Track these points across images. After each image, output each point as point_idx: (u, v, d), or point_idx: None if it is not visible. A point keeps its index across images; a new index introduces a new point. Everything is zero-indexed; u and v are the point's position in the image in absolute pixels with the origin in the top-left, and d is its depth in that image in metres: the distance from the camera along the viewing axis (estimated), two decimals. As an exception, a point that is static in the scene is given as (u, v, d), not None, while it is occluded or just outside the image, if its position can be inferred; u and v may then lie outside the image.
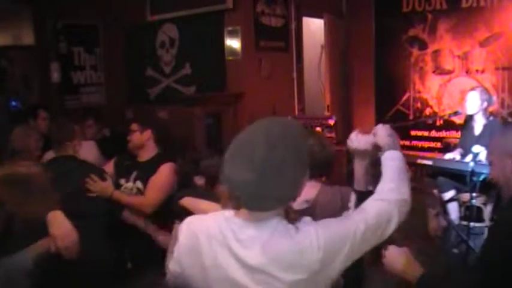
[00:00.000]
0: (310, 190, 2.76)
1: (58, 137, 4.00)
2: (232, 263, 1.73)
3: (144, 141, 4.31)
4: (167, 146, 4.50)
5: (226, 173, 1.70)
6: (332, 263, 1.72)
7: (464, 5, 7.07)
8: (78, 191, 3.67)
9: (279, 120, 1.80)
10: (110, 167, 4.36)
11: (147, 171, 4.18)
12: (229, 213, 1.82)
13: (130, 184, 4.21)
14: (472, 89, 5.57)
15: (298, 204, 2.71)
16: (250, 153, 1.65)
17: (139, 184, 4.19)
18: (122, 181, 4.23)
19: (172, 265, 1.91)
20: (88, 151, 5.22)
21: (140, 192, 4.15)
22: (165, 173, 4.13)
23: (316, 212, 2.72)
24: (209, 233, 1.79)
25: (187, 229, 1.87)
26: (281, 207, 1.77)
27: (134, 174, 4.23)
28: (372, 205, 1.91)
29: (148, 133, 4.31)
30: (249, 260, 1.70)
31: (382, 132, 2.33)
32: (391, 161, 2.15)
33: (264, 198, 1.69)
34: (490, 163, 2.59)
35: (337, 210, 2.75)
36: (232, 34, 6.83)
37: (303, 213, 2.68)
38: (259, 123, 1.76)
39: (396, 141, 2.29)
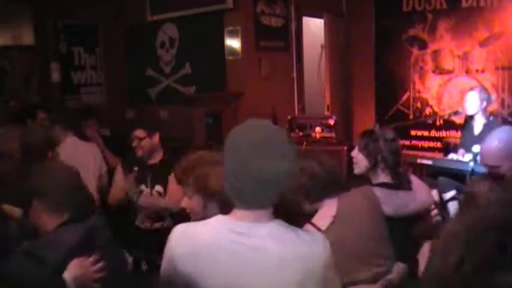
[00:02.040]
0: (330, 206, 2.82)
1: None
2: (243, 267, 1.73)
3: (154, 146, 4.32)
4: (167, 146, 4.52)
5: (256, 167, 1.69)
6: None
7: (464, 4, 7.06)
8: None
9: (273, 126, 1.84)
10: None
11: (161, 174, 4.22)
12: (224, 218, 1.82)
13: (148, 190, 4.24)
14: (471, 89, 5.57)
15: (324, 224, 2.76)
16: (274, 146, 1.71)
17: (159, 188, 4.21)
18: (143, 187, 4.25)
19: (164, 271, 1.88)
20: (89, 152, 5.23)
21: (161, 196, 4.21)
22: None
23: (343, 222, 2.78)
24: (211, 239, 1.77)
25: (183, 237, 1.84)
26: (270, 209, 1.79)
27: (148, 179, 4.25)
28: None
29: (157, 137, 4.32)
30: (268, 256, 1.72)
31: None
32: None
33: (273, 194, 1.74)
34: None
35: (371, 209, 2.85)
36: (232, 34, 6.84)
37: (331, 227, 2.74)
38: (256, 123, 1.81)
39: None
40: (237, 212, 1.79)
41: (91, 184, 4.83)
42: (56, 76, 7.30)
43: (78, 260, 2.48)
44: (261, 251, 1.72)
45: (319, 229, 2.73)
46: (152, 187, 4.25)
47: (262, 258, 1.71)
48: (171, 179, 4.05)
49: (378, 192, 2.93)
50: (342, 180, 3.03)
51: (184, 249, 1.79)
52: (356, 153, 3.29)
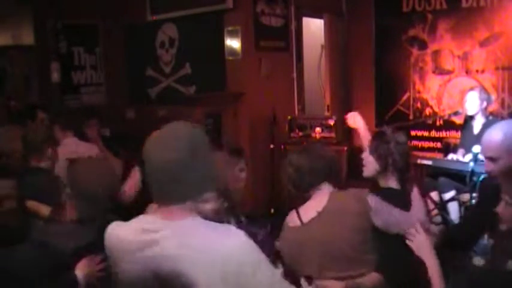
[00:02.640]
0: (321, 199, 2.83)
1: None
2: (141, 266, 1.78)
3: None
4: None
5: (151, 159, 1.79)
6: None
7: (464, 5, 7.06)
8: None
9: (186, 124, 1.93)
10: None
11: None
12: (143, 217, 1.91)
13: None
14: (471, 89, 5.57)
15: (307, 216, 2.79)
16: (169, 139, 1.81)
17: None
18: None
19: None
20: (90, 153, 5.22)
21: None
22: None
23: (326, 219, 2.77)
24: (125, 239, 1.85)
25: (109, 235, 1.94)
26: (188, 204, 1.82)
27: None
28: None
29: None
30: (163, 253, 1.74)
31: None
32: None
33: (175, 186, 1.77)
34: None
35: (360, 214, 2.80)
36: (232, 34, 6.83)
37: (313, 221, 2.76)
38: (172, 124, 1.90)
39: None
40: (156, 209, 1.88)
41: None
42: (56, 76, 7.30)
43: (88, 258, 2.60)
44: (161, 248, 1.74)
45: (300, 220, 2.80)
46: None
47: (163, 255, 1.73)
48: None
49: (373, 202, 2.88)
50: (332, 171, 2.99)
51: (107, 244, 1.91)
52: (366, 156, 3.20)
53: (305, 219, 2.78)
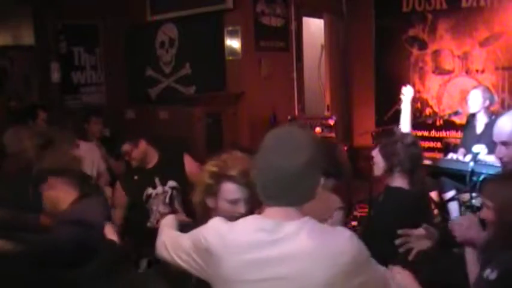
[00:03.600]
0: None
1: None
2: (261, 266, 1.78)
3: (144, 152, 4.32)
4: (166, 146, 4.51)
5: (266, 162, 1.82)
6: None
7: (464, 5, 7.07)
8: None
9: (302, 128, 1.96)
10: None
11: (168, 171, 4.23)
12: (255, 217, 1.91)
13: (160, 188, 4.21)
14: (475, 87, 5.58)
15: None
16: (292, 145, 1.81)
17: (172, 183, 4.21)
18: (149, 190, 4.23)
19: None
20: (89, 152, 5.24)
21: (176, 189, 4.19)
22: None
23: None
24: (243, 236, 1.84)
25: (215, 232, 1.92)
26: (298, 207, 1.85)
27: (157, 178, 4.24)
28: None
29: (142, 143, 4.28)
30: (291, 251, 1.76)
31: None
32: None
33: (295, 190, 1.81)
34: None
35: (319, 214, 2.77)
36: (232, 34, 6.83)
37: None
38: (289, 128, 1.97)
39: None
40: (267, 210, 1.87)
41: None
42: (56, 76, 7.30)
43: (109, 226, 2.85)
44: (286, 247, 1.76)
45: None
46: (164, 185, 4.24)
47: (288, 255, 1.75)
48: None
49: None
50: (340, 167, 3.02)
51: (216, 242, 1.88)
52: (375, 154, 3.23)
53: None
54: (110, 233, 2.81)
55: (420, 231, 2.65)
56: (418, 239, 2.62)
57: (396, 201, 3.09)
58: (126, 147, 4.28)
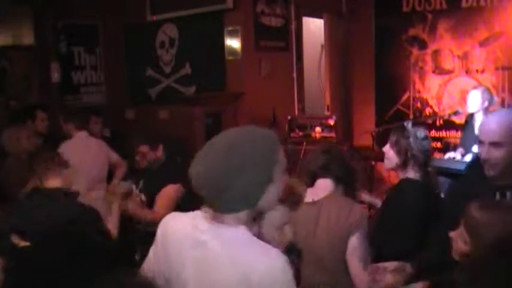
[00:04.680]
0: (319, 191, 2.91)
1: None
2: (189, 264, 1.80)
3: (159, 159, 4.36)
4: (169, 146, 4.52)
5: (190, 169, 1.80)
6: None
7: (464, 4, 7.07)
8: None
9: (247, 128, 1.88)
10: None
11: (153, 182, 4.26)
12: (201, 214, 1.88)
13: (137, 192, 4.24)
14: (475, 87, 5.57)
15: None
16: (210, 149, 1.80)
17: (142, 197, 4.23)
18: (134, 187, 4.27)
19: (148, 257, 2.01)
20: (99, 150, 5.32)
21: (143, 203, 4.22)
22: (170, 193, 4.16)
23: (320, 214, 2.81)
24: (178, 229, 1.88)
25: (162, 225, 1.95)
26: (242, 214, 1.80)
27: (141, 183, 4.26)
28: None
29: (160, 149, 4.35)
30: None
31: None
32: None
33: (222, 195, 1.74)
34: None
35: (341, 223, 2.79)
36: (232, 34, 6.83)
37: (309, 206, 2.79)
38: (227, 131, 1.88)
39: None
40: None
41: (97, 178, 5.18)
42: (55, 76, 7.30)
43: None
44: (207, 251, 1.77)
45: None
46: (140, 192, 4.27)
47: (208, 258, 1.76)
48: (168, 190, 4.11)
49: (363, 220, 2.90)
50: (350, 173, 3.04)
51: (160, 232, 1.93)
52: (387, 149, 3.28)
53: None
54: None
55: (393, 264, 2.67)
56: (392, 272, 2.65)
57: (411, 191, 3.14)
58: (143, 148, 4.30)
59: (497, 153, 2.50)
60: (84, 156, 5.13)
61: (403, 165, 3.19)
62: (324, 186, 2.96)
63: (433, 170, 3.31)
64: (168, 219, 1.95)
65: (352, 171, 3.08)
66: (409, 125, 3.38)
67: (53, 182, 3.40)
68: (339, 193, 2.97)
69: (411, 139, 3.20)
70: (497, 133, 2.51)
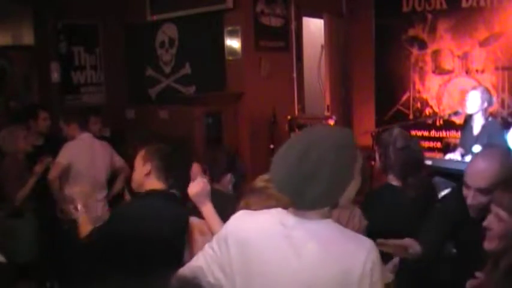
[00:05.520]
0: None
1: None
2: (283, 258, 1.78)
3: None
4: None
5: (271, 172, 1.81)
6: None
7: (464, 5, 7.07)
8: None
9: (324, 128, 1.97)
10: None
11: None
12: (282, 211, 1.88)
13: None
14: (474, 88, 5.56)
15: None
16: (289, 153, 1.78)
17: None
18: None
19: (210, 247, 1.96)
20: (104, 152, 5.31)
21: None
22: None
23: None
24: (262, 227, 1.85)
25: (235, 222, 1.94)
26: (325, 209, 1.82)
27: None
28: None
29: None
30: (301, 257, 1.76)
31: None
32: None
33: (303, 196, 1.74)
34: (482, 191, 2.39)
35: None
36: (232, 34, 6.83)
37: None
38: (306, 130, 1.92)
39: None
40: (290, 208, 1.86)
41: (100, 182, 5.17)
42: (55, 76, 7.29)
43: None
44: (301, 247, 1.76)
45: None
46: None
47: (301, 254, 1.76)
48: None
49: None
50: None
51: (236, 229, 1.90)
52: (377, 150, 3.30)
53: None
54: None
55: (400, 241, 2.59)
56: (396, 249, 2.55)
57: (388, 198, 3.11)
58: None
59: (483, 200, 2.36)
60: (90, 158, 5.13)
61: (384, 170, 3.16)
62: None
63: (419, 182, 3.19)
64: (242, 217, 1.95)
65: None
66: (395, 130, 3.29)
67: None
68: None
69: (390, 148, 3.12)
70: (485, 179, 2.37)
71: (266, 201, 2.35)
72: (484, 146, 4.33)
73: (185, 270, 1.97)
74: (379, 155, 3.17)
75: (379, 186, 3.26)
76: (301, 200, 1.76)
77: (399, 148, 3.12)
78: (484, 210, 2.26)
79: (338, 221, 2.70)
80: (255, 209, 2.01)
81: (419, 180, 3.17)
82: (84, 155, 5.07)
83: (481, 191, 2.37)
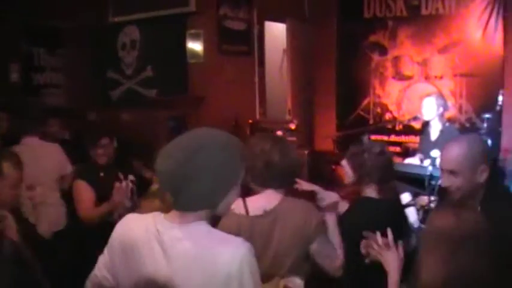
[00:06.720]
0: (270, 200, 2.68)
1: None
2: (154, 262, 1.80)
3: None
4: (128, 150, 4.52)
5: (156, 165, 1.82)
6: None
7: (424, 12, 7.19)
8: None
9: (215, 131, 1.90)
10: None
11: (126, 166, 4.48)
12: (158, 214, 1.90)
13: (124, 183, 4.23)
14: (428, 95, 5.64)
15: (254, 210, 2.64)
16: (177, 147, 1.82)
17: (131, 177, 4.35)
18: (117, 185, 4.21)
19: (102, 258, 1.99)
20: (52, 153, 5.12)
21: (134, 183, 4.32)
22: None
23: (275, 224, 2.63)
24: (140, 232, 1.86)
25: (120, 226, 1.95)
26: (202, 212, 1.83)
27: (120, 173, 4.27)
28: None
29: (114, 140, 4.42)
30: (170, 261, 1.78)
31: None
32: None
33: (179, 196, 1.78)
34: (452, 172, 2.55)
35: (300, 226, 2.63)
36: (195, 37, 6.82)
37: (256, 219, 2.62)
38: (196, 131, 1.89)
39: None
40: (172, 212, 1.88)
41: (48, 185, 4.83)
42: (15, 76, 7.17)
43: None
44: (170, 251, 1.78)
45: (246, 210, 2.65)
46: (126, 179, 4.28)
47: (170, 258, 1.78)
48: None
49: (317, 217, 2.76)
50: (295, 176, 2.92)
51: (118, 233, 1.93)
52: (345, 164, 3.18)
53: (251, 212, 2.64)
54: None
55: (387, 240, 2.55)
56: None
57: (366, 212, 3.04)
58: (106, 140, 4.31)
59: (456, 181, 2.55)
60: (37, 162, 4.95)
61: (359, 181, 3.12)
62: (271, 195, 2.73)
63: (393, 186, 3.23)
64: (127, 221, 1.95)
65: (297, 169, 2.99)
66: (365, 138, 3.31)
67: None
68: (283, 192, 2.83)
69: (366, 155, 3.08)
70: (455, 161, 2.57)
71: (152, 203, 2.37)
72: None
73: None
74: (352, 167, 3.12)
75: (356, 201, 3.17)
76: (177, 199, 1.79)
77: (377, 153, 3.10)
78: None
79: (294, 226, 2.68)
80: (144, 212, 2.05)
81: (393, 184, 3.21)
82: (31, 159, 4.91)
83: (452, 172, 2.56)
